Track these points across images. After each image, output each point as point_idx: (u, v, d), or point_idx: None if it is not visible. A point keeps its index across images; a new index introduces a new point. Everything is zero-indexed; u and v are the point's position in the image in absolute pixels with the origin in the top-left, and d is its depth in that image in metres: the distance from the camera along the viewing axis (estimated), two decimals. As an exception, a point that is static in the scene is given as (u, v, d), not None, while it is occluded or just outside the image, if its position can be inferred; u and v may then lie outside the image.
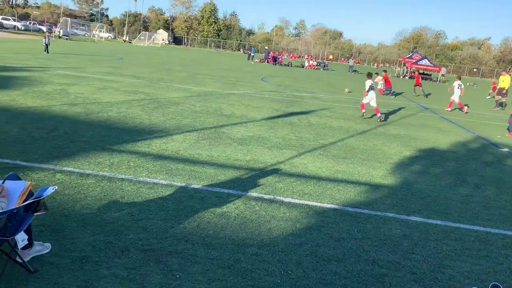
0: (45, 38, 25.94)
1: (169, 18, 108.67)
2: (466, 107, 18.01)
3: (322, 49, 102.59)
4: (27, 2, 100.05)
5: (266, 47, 63.75)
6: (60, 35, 56.37)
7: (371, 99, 12.85)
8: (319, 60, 59.95)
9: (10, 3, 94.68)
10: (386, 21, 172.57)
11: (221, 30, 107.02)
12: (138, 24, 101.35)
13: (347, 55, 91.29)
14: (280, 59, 50.48)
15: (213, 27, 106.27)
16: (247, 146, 7.82)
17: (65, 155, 6.09)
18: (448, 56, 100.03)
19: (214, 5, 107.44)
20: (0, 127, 7.26)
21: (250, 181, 5.87)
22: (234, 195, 5.25)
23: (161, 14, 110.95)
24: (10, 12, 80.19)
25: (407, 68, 54.34)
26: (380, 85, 22.17)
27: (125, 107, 10.43)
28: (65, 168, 5.51)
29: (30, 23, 70.33)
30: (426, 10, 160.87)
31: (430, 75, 52.62)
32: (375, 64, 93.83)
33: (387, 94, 23.20)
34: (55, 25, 66.17)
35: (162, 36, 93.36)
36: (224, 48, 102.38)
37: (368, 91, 12.83)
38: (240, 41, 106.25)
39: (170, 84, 16.48)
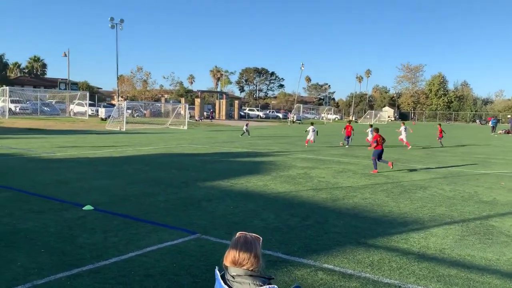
0: (245, 125, 30.08)
1: (394, 95, 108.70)
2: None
3: None
4: (267, 94, 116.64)
5: (509, 116, 56.01)
6: (294, 120, 62.65)
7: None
8: None
9: (254, 96, 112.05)
10: None
11: (451, 102, 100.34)
12: (363, 103, 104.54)
13: None
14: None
15: (443, 99, 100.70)
16: (533, 247, 6.14)
17: (322, 248, 5.85)
18: None
19: (443, 77, 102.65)
20: (259, 214, 7.70)
21: (559, 303, 4.35)
22: (542, 324, 3.89)
23: (386, 92, 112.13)
24: (254, 103, 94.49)
25: None
26: None
27: (369, 193, 9.97)
28: (325, 265, 5.19)
29: (269, 111, 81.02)
30: None
31: None
32: None
33: None
34: (290, 111, 74.22)
35: (387, 113, 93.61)
36: (456, 120, 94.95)
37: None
38: (476, 111, 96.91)
39: (408, 164, 15.48)
